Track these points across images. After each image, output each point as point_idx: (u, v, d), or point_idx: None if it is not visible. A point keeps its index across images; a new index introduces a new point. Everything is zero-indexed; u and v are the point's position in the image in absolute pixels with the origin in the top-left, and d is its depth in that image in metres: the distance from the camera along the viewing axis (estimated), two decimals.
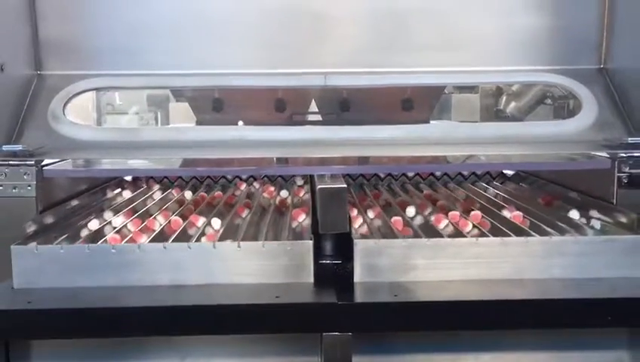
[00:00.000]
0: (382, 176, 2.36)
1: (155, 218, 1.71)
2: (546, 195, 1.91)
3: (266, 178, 2.38)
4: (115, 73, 1.93)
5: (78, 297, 1.33)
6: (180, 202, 1.98)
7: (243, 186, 2.31)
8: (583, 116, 1.80)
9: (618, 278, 1.41)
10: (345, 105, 2.53)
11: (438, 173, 2.32)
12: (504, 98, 3.29)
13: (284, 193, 2.15)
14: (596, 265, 1.42)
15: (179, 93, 3.75)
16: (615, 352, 1.42)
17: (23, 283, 1.37)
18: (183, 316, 1.29)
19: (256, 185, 2.33)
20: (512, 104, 3.23)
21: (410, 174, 2.32)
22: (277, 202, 2.01)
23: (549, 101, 3.21)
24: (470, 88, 3.60)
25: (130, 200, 1.97)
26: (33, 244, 1.39)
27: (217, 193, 2.14)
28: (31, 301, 1.30)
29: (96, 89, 1.96)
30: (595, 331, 1.40)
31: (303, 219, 1.74)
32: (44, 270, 1.37)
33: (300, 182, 2.30)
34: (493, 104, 3.41)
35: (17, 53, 1.78)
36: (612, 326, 1.35)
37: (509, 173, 2.36)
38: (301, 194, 2.08)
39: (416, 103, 2.56)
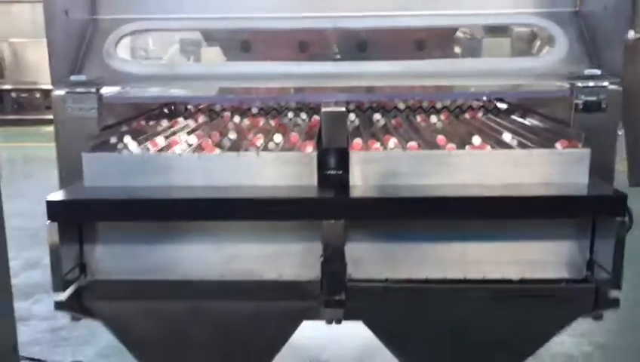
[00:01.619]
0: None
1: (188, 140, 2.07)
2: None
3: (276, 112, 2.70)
4: (159, 17, 2.27)
5: (136, 192, 1.72)
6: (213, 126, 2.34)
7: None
8: (556, 52, 2.08)
9: (564, 183, 1.74)
10: (362, 47, 2.85)
11: (425, 105, 2.62)
12: (537, 43, 3.43)
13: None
14: (547, 172, 1.75)
15: (210, 38, 4.07)
16: (553, 242, 1.76)
17: (92, 183, 1.77)
18: (217, 206, 1.67)
19: (271, 123, 2.65)
20: (546, 48, 3.39)
21: (402, 106, 2.63)
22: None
23: None
24: (502, 32, 3.74)
25: (177, 123, 2.36)
26: (99, 152, 1.78)
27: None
28: (101, 194, 1.70)
29: (144, 30, 2.29)
30: (537, 223, 1.75)
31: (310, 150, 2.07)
32: (109, 172, 1.76)
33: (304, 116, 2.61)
34: (526, 48, 3.56)
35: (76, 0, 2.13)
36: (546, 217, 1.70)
37: (503, 106, 2.66)
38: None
39: (427, 44, 2.87)
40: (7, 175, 2.88)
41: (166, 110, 2.64)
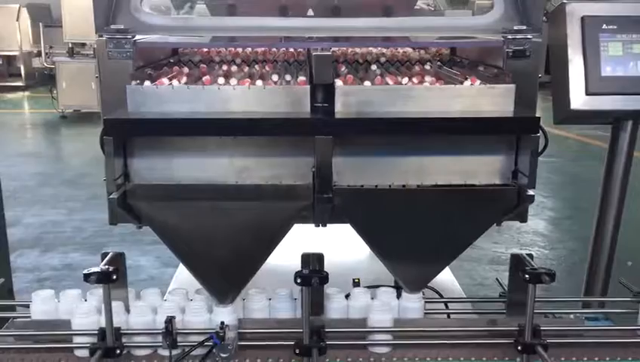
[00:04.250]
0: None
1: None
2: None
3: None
4: None
5: (170, 114, 2.22)
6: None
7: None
8: (494, 13, 2.63)
9: (496, 110, 2.30)
10: (336, 12, 3.37)
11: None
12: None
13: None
14: (483, 103, 2.31)
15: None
16: (488, 156, 2.33)
17: (134, 109, 2.25)
18: (233, 124, 2.19)
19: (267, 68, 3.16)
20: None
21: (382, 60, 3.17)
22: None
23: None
24: (463, 3, 4.25)
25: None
26: (139, 85, 2.27)
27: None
28: (141, 116, 2.19)
29: None
30: (476, 141, 2.31)
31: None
32: (147, 101, 2.25)
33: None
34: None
35: None
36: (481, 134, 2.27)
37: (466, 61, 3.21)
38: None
39: (394, 10, 3.41)
40: None
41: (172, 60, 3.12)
